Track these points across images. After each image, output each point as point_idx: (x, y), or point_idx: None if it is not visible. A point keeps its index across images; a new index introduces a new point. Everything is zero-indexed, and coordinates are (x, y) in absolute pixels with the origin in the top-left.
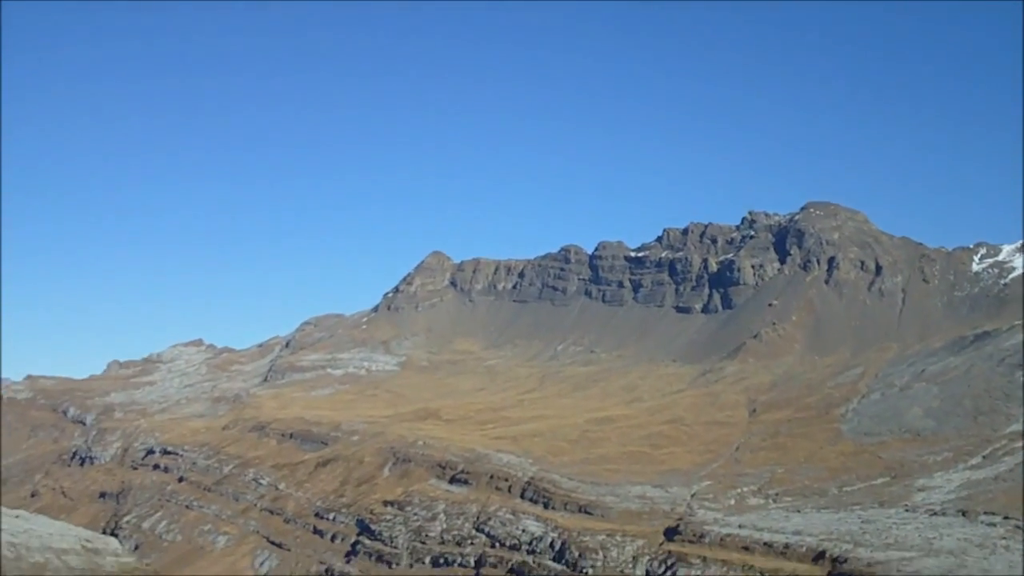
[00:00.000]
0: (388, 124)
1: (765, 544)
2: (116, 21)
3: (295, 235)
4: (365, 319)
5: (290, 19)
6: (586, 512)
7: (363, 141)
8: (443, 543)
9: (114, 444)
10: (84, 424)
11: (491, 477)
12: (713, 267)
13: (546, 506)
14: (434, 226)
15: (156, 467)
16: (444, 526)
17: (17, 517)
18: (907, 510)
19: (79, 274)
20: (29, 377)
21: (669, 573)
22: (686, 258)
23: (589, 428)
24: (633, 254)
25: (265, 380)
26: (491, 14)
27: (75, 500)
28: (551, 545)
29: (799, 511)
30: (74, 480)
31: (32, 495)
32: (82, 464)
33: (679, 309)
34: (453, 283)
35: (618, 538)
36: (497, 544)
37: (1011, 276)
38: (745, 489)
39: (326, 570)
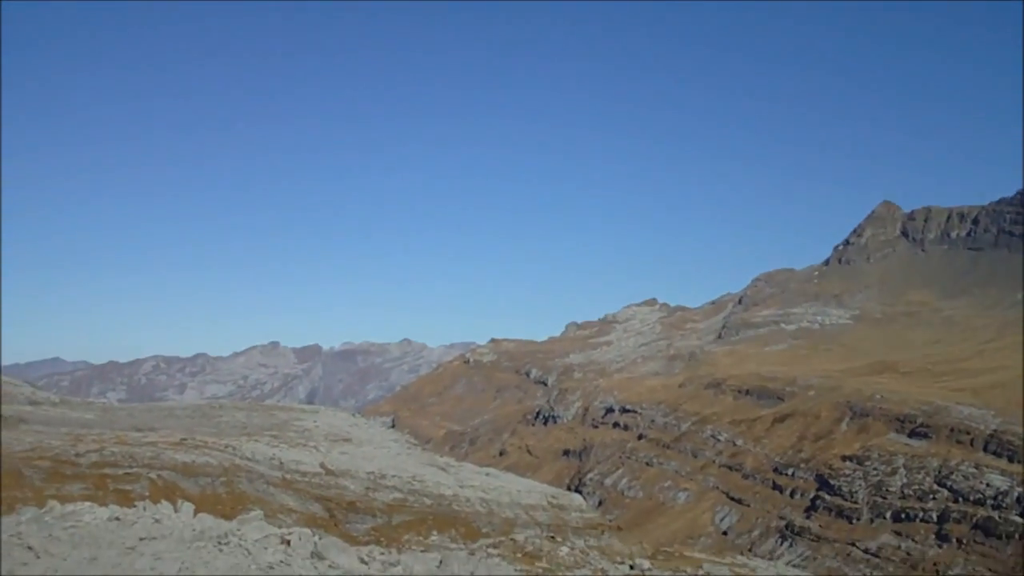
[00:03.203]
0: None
1: None
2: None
3: (740, 192)
4: (816, 273)
5: None
6: None
7: (811, 91)
8: (904, 498)
9: (575, 403)
10: (546, 385)
11: (951, 430)
12: None
13: (1011, 459)
14: (883, 175)
15: (616, 425)
16: (904, 481)
17: (487, 475)
18: None
19: (535, 244)
20: (493, 341)
21: None
22: None
23: None
24: None
25: (719, 337)
26: None
27: (540, 458)
28: (1018, 500)
29: None
30: (538, 439)
31: (500, 453)
32: (545, 423)
33: None
34: (904, 233)
35: None
36: (960, 499)
37: None
38: None
39: (786, 525)
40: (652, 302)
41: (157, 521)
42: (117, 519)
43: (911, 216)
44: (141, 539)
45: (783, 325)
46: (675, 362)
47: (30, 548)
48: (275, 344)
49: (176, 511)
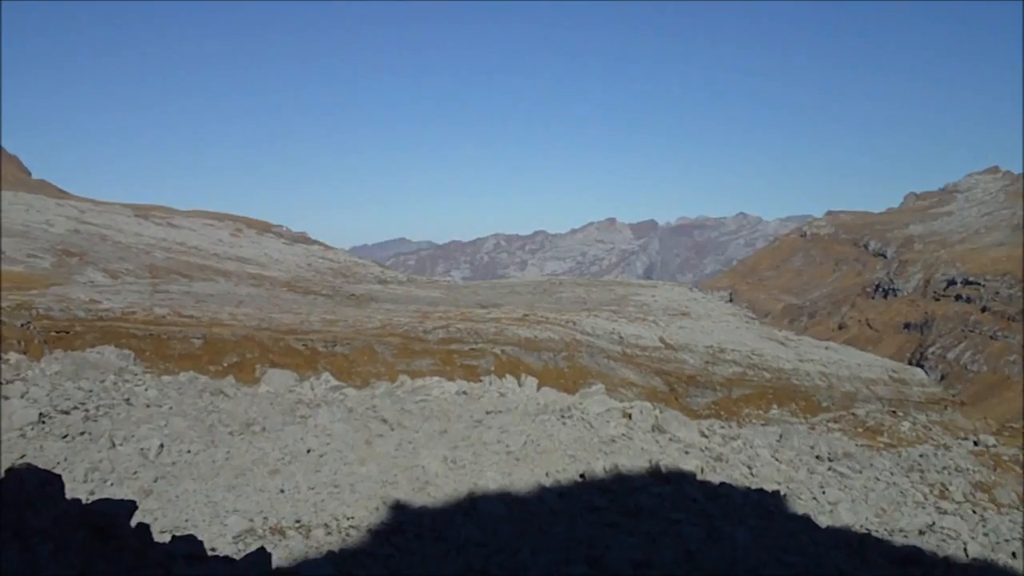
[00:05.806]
0: None
1: None
2: None
3: None
4: None
5: None
6: None
7: None
8: None
9: (915, 276)
10: (885, 257)
11: None
12: None
13: None
14: None
15: (958, 298)
16: None
17: (827, 348)
18: None
19: (869, 109)
20: (829, 213)
21: None
22: None
23: None
24: None
25: None
26: None
27: (880, 331)
28: None
29: None
30: (878, 312)
31: (839, 327)
32: (885, 296)
33: None
34: None
35: None
36: None
37: None
38: None
39: None
40: (995, 170)
41: (502, 395)
42: (464, 393)
43: None
44: (488, 412)
45: None
46: (1020, 232)
47: (384, 420)
48: (611, 220)
49: (520, 385)
